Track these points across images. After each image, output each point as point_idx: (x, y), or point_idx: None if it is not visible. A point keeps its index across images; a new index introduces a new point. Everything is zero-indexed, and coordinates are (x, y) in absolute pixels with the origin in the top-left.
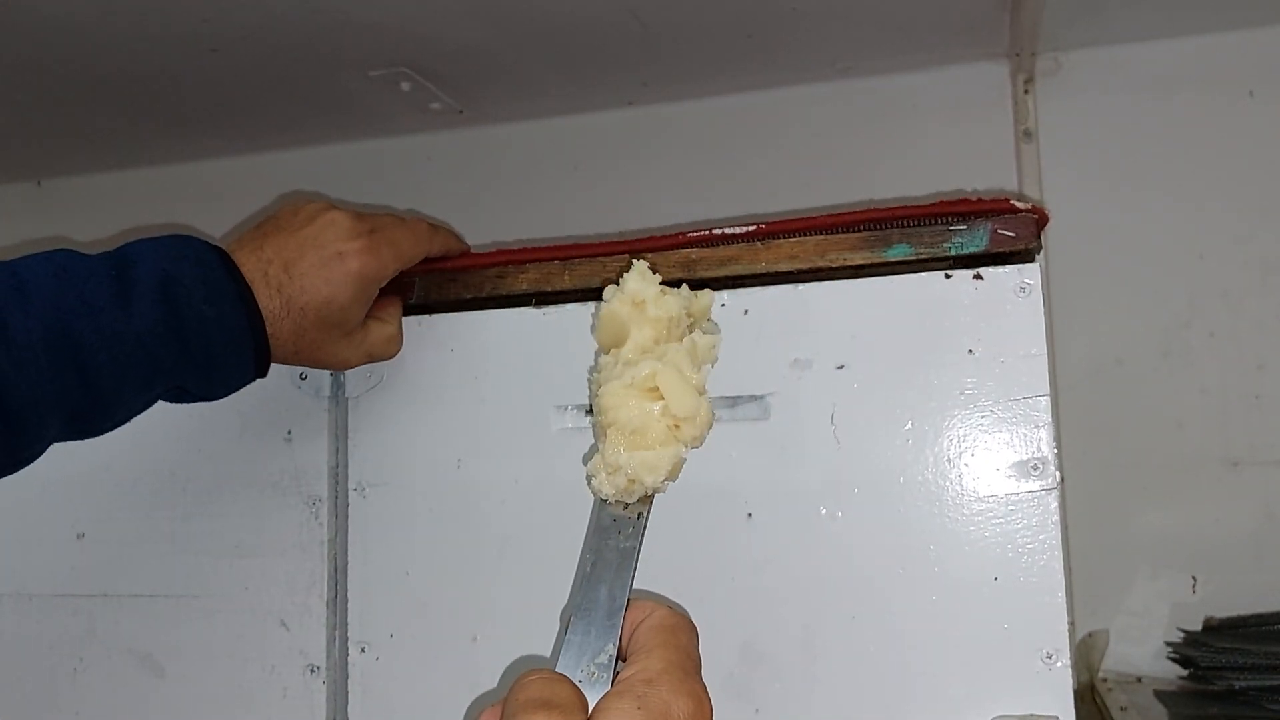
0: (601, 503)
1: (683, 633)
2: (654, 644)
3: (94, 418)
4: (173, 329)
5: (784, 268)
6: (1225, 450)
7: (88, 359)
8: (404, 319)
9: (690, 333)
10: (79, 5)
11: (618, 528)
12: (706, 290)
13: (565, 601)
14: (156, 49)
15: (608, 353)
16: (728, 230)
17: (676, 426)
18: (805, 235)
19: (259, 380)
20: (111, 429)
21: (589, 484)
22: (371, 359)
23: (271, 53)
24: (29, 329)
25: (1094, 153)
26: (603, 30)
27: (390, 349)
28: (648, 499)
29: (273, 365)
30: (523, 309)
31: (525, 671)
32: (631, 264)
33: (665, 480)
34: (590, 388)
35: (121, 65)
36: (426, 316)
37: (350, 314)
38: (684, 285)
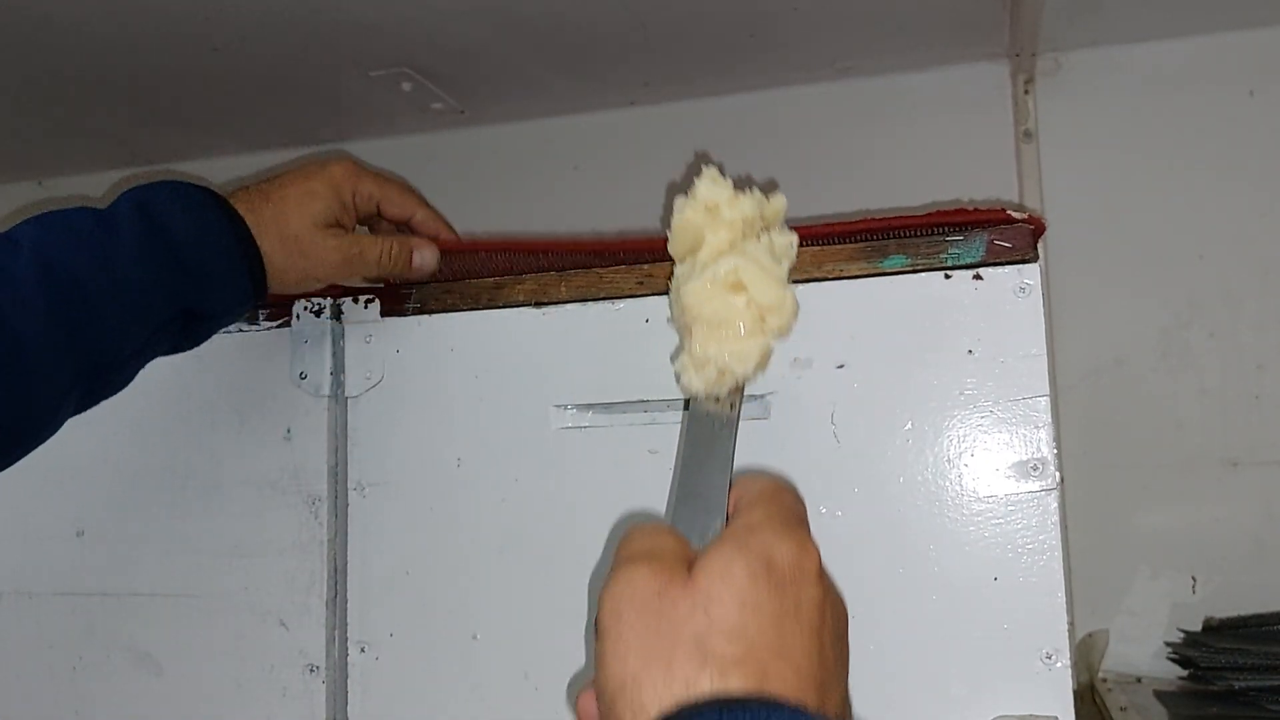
0: (692, 405)
1: (786, 494)
2: (756, 501)
3: (102, 357)
4: (157, 241)
5: None
6: (1225, 450)
7: (82, 290)
8: (403, 319)
9: (765, 234)
10: (79, 5)
11: (711, 422)
12: (779, 195)
13: (566, 601)
14: (156, 49)
15: (683, 262)
16: None
17: (762, 318)
18: (801, 246)
19: (258, 379)
20: (126, 373)
21: (677, 382)
22: (348, 268)
23: (272, 52)
24: (23, 268)
25: (1094, 153)
26: (603, 30)
27: (383, 262)
28: (738, 390)
29: (271, 360)
30: (522, 308)
31: (630, 525)
32: (701, 169)
33: (755, 369)
34: (670, 295)
35: (121, 65)
36: (426, 316)
37: (329, 202)
38: (755, 189)
